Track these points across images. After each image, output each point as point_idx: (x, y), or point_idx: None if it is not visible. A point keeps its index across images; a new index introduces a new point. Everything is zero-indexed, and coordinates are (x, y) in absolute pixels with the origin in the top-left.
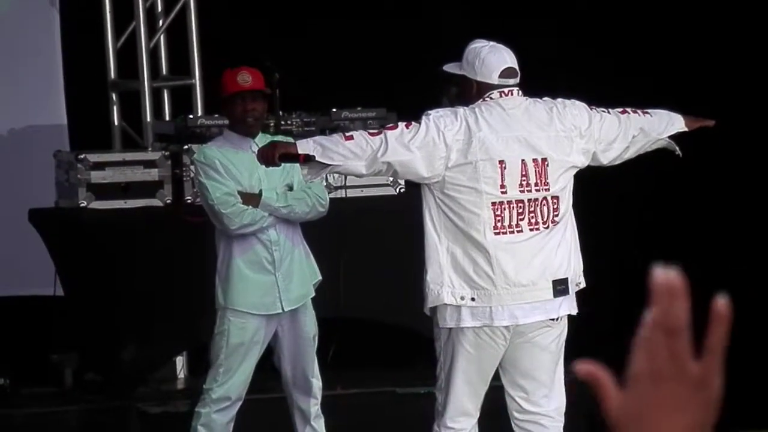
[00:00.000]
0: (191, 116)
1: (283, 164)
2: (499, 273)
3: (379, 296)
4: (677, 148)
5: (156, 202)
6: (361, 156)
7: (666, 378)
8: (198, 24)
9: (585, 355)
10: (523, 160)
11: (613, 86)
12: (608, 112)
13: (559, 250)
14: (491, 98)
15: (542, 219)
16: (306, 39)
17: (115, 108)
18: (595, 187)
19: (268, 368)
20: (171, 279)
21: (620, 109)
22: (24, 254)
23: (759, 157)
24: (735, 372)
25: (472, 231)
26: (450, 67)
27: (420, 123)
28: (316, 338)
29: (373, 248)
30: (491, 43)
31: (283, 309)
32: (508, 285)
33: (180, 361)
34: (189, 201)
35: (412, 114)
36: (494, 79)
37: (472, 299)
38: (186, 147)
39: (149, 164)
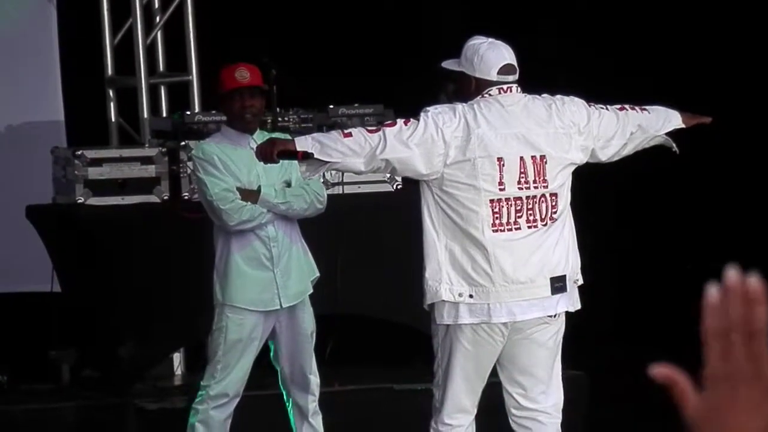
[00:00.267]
0: (188, 112)
1: (281, 161)
2: (497, 270)
3: (377, 293)
4: (674, 145)
5: (153, 199)
6: (359, 153)
7: (743, 379)
8: (195, 20)
9: (583, 352)
10: (521, 158)
11: (613, 85)
12: (607, 109)
13: (557, 248)
14: (490, 95)
15: (540, 216)
16: (303, 35)
17: (112, 104)
18: (593, 184)
19: (265, 365)
20: (168, 275)
21: (618, 106)
22: (21, 251)
23: (757, 155)
24: None
25: (471, 228)
26: (448, 64)
27: (418, 120)
28: (314, 335)
29: (371, 245)
30: (490, 39)
31: (281, 305)
32: (506, 282)
33: (177, 358)
34: (186, 197)
35: (410, 111)
36: (493, 76)
37: (470, 296)
38: (183, 143)
39: (146, 160)
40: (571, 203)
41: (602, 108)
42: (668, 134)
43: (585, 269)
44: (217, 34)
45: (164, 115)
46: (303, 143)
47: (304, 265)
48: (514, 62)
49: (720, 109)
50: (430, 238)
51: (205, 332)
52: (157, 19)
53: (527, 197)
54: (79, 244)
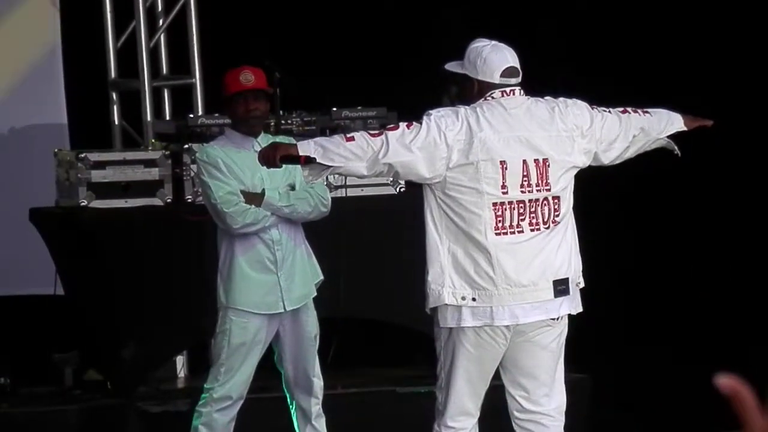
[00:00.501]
0: (191, 115)
1: (284, 165)
2: (500, 273)
3: (380, 295)
4: (676, 148)
5: (156, 202)
6: (362, 157)
7: None
8: (198, 23)
9: (586, 355)
10: (524, 161)
11: (614, 87)
12: (609, 112)
13: (560, 251)
14: (493, 98)
15: (543, 219)
16: (306, 38)
17: (115, 107)
18: (595, 187)
19: (269, 367)
20: (171, 278)
21: (621, 109)
22: (24, 253)
23: (759, 157)
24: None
25: (473, 231)
26: (452, 66)
27: (421, 123)
28: (318, 338)
29: (374, 247)
30: (493, 42)
31: (284, 308)
32: (509, 285)
33: (180, 361)
34: (189, 200)
35: (413, 113)
36: (496, 79)
37: (473, 299)
38: (186, 146)
39: (150, 163)
40: (574, 206)
41: (605, 111)
42: (670, 137)
43: (587, 272)
44: (221, 37)
45: (167, 117)
46: (305, 148)
47: (308, 268)
48: (517, 65)
49: (722, 111)
50: (432, 242)
51: (209, 335)
52: (160, 21)
53: (530, 200)
54: (82, 246)
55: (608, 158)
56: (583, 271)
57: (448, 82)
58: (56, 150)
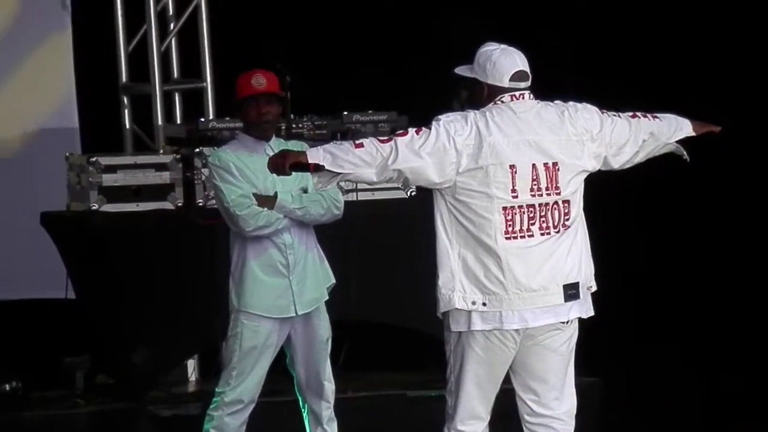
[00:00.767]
0: (202, 119)
1: (293, 173)
2: (510, 278)
3: (390, 299)
4: (685, 153)
5: (167, 205)
6: (371, 164)
7: None
8: (209, 27)
9: (596, 359)
10: (534, 165)
11: (621, 89)
12: (619, 116)
13: (570, 255)
14: (502, 102)
15: (553, 223)
16: (317, 42)
17: (126, 111)
18: (606, 190)
19: (280, 371)
20: (182, 282)
21: (630, 113)
22: (36, 257)
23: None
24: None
25: (483, 236)
26: (461, 70)
27: (430, 129)
28: (330, 341)
29: (384, 251)
30: (502, 46)
31: (296, 312)
32: (519, 290)
33: (191, 365)
34: (200, 204)
35: (423, 117)
36: (505, 83)
37: (483, 304)
38: (197, 150)
39: (161, 167)
40: (584, 209)
41: (615, 115)
42: (679, 142)
43: (598, 275)
44: (231, 41)
45: (178, 121)
46: (314, 155)
47: (320, 272)
48: (527, 69)
49: (729, 113)
50: (443, 247)
51: (220, 339)
52: (172, 26)
53: (540, 204)
54: (93, 250)
55: (618, 162)
56: (595, 275)
57: (458, 87)
58: (67, 154)
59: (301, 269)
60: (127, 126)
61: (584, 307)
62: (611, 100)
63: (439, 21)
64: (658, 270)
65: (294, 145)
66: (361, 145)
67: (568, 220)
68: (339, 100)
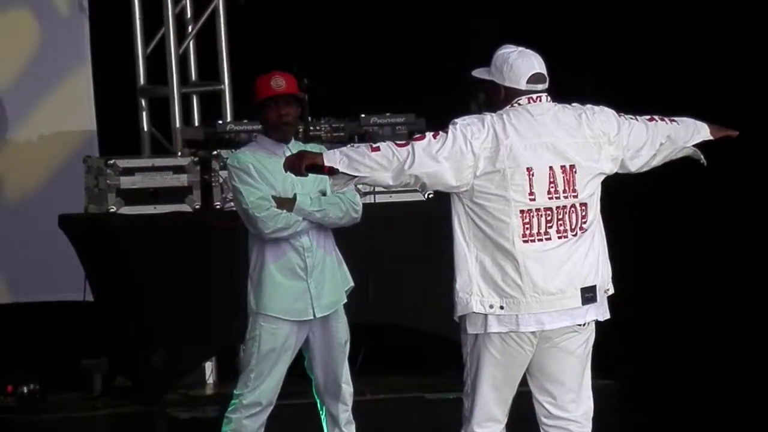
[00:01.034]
0: (220, 122)
1: (316, 174)
2: (528, 281)
3: (408, 302)
4: (702, 157)
5: (185, 208)
6: (387, 167)
7: None
8: (227, 30)
9: (613, 361)
10: (551, 167)
11: (634, 88)
12: (636, 119)
13: (588, 258)
14: (519, 104)
15: (570, 226)
16: (334, 44)
17: (144, 114)
18: (622, 193)
19: (298, 373)
20: (200, 284)
21: (648, 117)
22: (54, 260)
23: None
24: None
25: (501, 239)
26: (479, 72)
27: (447, 132)
28: (348, 344)
29: (402, 253)
30: (520, 48)
31: (314, 315)
32: (537, 293)
33: (209, 367)
34: (218, 206)
35: (441, 119)
36: (522, 85)
37: (501, 307)
38: (215, 152)
39: (178, 170)
40: (601, 212)
41: (632, 118)
42: (696, 146)
43: (615, 278)
44: (249, 44)
45: (196, 124)
46: (331, 157)
47: (338, 275)
48: (544, 71)
49: (745, 113)
50: (460, 250)
51: (237, 341)
52: (190, 28)
53: (557, 207)
54: (111, 253)
55: (635, 165)
56: (612, 278)
57: (475, 89)
58: (85, 156)
59: (319, 272)
60: (145, 128)
61: (600, 310)
62: (624, 100)
63: (456, 23)
64: (676, 272)
65: (312, 148)
66: (378, 149)
67: (585, 222)
68: (356, 103)
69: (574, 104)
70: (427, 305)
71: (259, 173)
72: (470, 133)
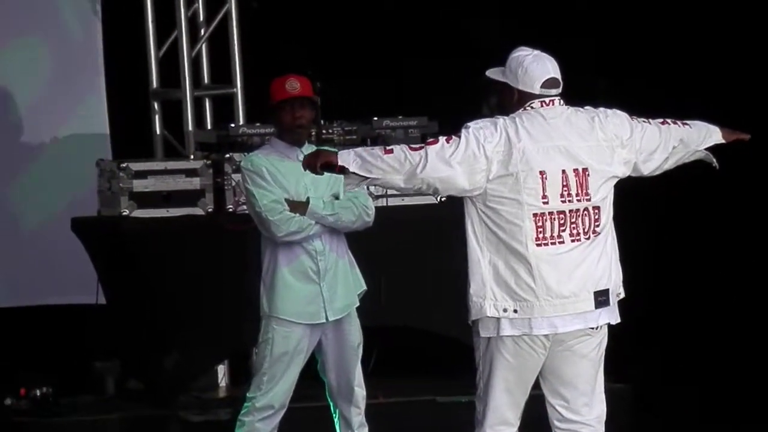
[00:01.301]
0: (233, 125)
1: (326, 173)
2: (541, 284)
3: (420, 305)
4: (714, 160)
5: (198, 211)
6: (399, 170)
7: None
8: (240, 33)
9: (626, 365)
10: (563, 171)
11: (648, 91)
12: (649, 123)
13: (601, 262)
14: (532, 107)
15: (583, 230)
16: (346, 48)
17: (157, 117)
18: (632, 195)
19: (311, 376)
20: (212, 288)
21: (660, 120)
22: (66, 263)
23: None
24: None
25: (514, 243)
26: (493, 73)
27: (460, 137)
28: (361, 347)
29: (414, 256)
30: (535, 51)
31: (327, 319)
32: (550, 297)
33: (222, 370)
34: (230, 210)
35: (453, 121)
36: (536, 89)
37: (515, 311)
38: (228, 156)
39: (191, 173)
40: (614, 214)
41: (644, 122)
42: (708, 149)
43: (627, 281)
44: (262, 47)
45: (209, 127)
46: (344, 158)
47: (350, 278)
48: (558, 76)
49: (760, 118)
50: (474, 255)
51: (250, 344)
52: (202, 31)
53: (570, 210)
54: (124, 256)
55: (648, 169)
56: (623, 281)
57: (488, 92)
58: (98, 160)
59: (331, 276)
60: (158, 132)
61: (613, 314)
62: (637, 102)
63: (466, 25)
64: (689, 274)
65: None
66: (391, 151)
67: (598, 226)
68: (366, 105)
69: (586, 107)
70: (439, 308)
71: (273, 176)
72: (483, 136)
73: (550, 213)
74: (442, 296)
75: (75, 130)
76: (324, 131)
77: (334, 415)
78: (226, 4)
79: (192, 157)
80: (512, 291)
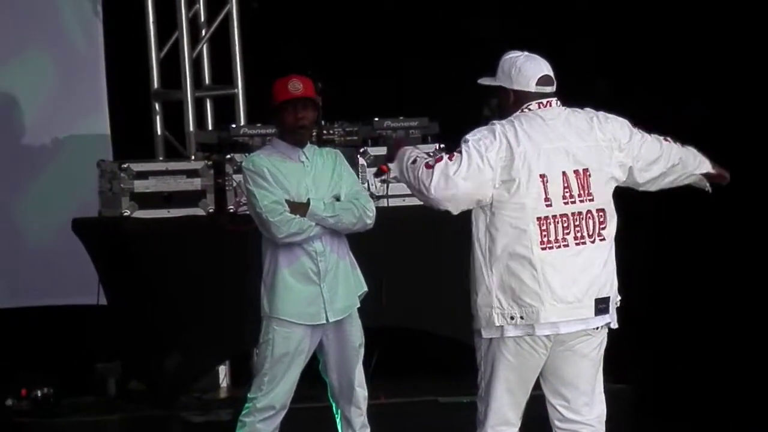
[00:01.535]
0: (234, 126)
1: (330, 174)
2: (546, 288)
3: (421, 305)
4: (708, 185)
5: (199, 212)
6: (416, 187)
7: None
8: (241, 33)
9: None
10: (564, 172)
11: (646, 97)
12: (650, 135)
13: (606, 268)
14: (530, 109)
15: (588, 233)
16: (347, 48)
17: (158, 117)
18: (634, 197)
19: (312, 377)
20: (214, 288)
21: (662, 137)
22: (67, 263)
23: None
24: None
25: (520, 247)
26: (485, 81)
27: (461, 152)
28: (362, 347)
29: (416, 257)
30: (526, 52)
31: (327, 320)
32: (555, 301)
33: (223, 371)
34: (231, 210)
35: (454, 122)
36: (532, 87)
37: (522, 318)
38: (229, 156)
39: (192, 174)
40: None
41: (645, 133)
42: None
43: (627, 283)
44: (263, 48)
45: (210, 128)
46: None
47: (351, 279)
48: (552, 74)
49: (759, 124)
50: (478, 263)
51: (251, 345)
52: (203, 32)
53: (573, 213)
54: (125, 257)
55: (644, 178)
56: (624, 282)
57: (488, 95)
58: (99, 160)
59: (332, 277)
60: (159, 132)
61: (612, 317)
62: (637, 108)
63: (466, 24)
64: (689, 276)
65: (328, 153)
66: (429, 166)
67: (604, 229)
68: (366, 106)
69: (586, 108)
70: (440, 309)
71: (274, 177)
72: (484, 147)
73: (554, 216)
74: (443, 297)
75: (76, 131)
76: (325, 132)
77: (336, 416)
78: (226, 4)
79: (193, 157)
80: (517, 297)
